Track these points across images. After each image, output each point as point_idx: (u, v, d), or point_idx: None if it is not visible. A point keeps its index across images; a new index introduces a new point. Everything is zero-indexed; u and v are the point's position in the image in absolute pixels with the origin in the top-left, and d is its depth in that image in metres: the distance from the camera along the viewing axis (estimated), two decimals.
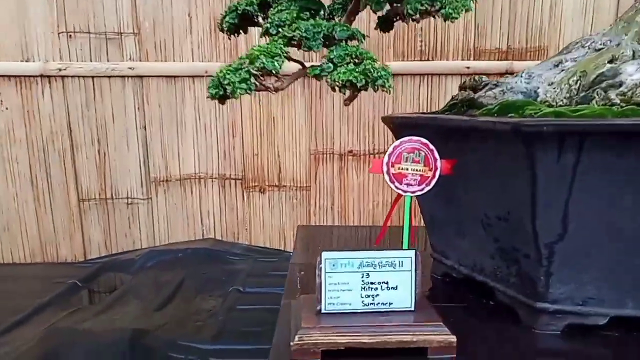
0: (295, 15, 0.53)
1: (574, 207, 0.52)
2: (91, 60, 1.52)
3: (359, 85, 0.48)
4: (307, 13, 0.55)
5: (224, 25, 0.60)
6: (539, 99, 0.63)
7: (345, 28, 0.52)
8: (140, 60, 1.53)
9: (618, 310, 0.56)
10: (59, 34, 1.50)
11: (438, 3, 0.49)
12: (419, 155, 0.60)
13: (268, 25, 0.55)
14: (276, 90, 0.52)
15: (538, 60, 1.51)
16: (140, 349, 0.86)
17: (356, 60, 0.49)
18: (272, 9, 0.58)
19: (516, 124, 0.50)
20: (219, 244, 1.54)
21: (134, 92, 1.54)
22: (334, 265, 0.58)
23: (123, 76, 1.53)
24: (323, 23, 0.51)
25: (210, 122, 1.57)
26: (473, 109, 0.66)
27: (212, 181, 1.61)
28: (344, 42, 0.52)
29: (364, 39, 0.54)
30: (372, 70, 0.47)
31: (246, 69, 0.47)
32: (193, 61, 1.53)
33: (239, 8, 0.59)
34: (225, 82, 0.47)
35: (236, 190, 1.62)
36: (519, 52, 1.51)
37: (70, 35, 1.51)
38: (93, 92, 1.54)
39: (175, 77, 1.54)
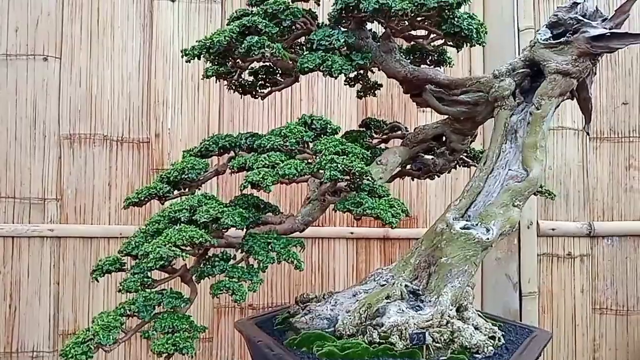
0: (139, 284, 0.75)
1: None
2: (13, 222, 1.67)
3: None
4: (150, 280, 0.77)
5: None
6: (337, 325, 0.85)
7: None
8: (60, 223, 1.69)
9: None
10: None
11: None
12: None
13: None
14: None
15: (410, 228, 1.81)
16: None
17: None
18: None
19: None
20: None
21: (51, 251, 1.68)
22: None
23: (42, 237, 1.68)
24: (155, 297, 0.73)
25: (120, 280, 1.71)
26: (291, 331, 0.86)
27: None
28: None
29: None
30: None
31: (87, 343, 0.66)
32: (110, 224, 1.71)
33: None
34: (70, 355, 0.65)
35: (142, 343, 1.72)
36: None
37: None
38: (12, 251, 1.67)
39: (91, 238, 1.70)
